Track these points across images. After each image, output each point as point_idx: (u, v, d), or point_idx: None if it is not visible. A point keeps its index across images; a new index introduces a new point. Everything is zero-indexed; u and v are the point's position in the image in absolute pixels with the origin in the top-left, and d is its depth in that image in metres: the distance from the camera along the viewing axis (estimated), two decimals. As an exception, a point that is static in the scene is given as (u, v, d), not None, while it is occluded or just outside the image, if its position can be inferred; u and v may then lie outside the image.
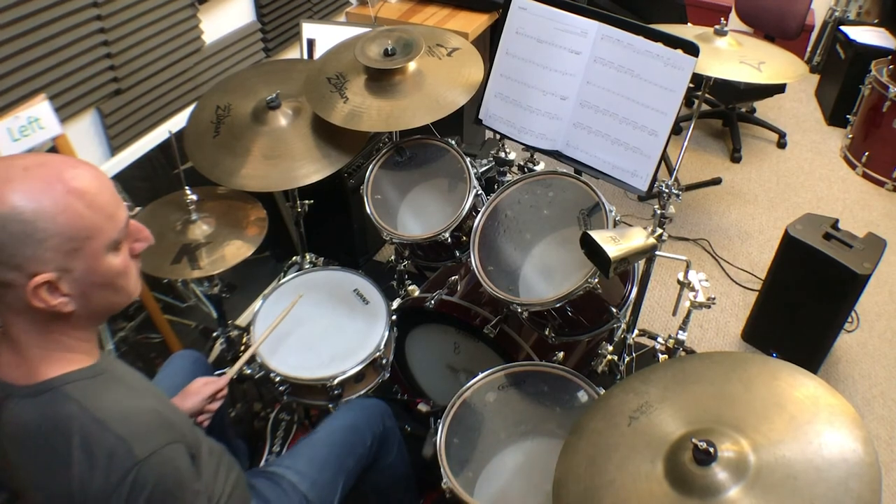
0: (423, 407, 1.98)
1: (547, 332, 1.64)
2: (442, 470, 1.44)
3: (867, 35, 3.65)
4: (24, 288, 0.88)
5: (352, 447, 1.50)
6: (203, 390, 1.40)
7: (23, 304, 0.90)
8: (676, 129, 3.19)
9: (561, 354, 1.75)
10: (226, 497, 1.19)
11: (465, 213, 1.67)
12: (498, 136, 1.76)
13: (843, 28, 3.75)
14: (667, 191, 1.62)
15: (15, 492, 1.02)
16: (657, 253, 1.53)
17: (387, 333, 1.72)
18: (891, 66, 3.21)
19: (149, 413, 0.98)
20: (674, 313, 1.61)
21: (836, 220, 2.27)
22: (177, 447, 0.97)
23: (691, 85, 1.47)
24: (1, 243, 0.86)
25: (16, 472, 0.96)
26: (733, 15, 3.67)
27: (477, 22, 2.78)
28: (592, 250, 1.34)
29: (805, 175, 3.46)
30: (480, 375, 1.61)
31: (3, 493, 1.08)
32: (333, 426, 1.52)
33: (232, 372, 1.50)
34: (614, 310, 1.66)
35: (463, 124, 2.76)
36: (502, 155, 1.83)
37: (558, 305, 1.48)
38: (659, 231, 1.57)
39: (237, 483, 1.26)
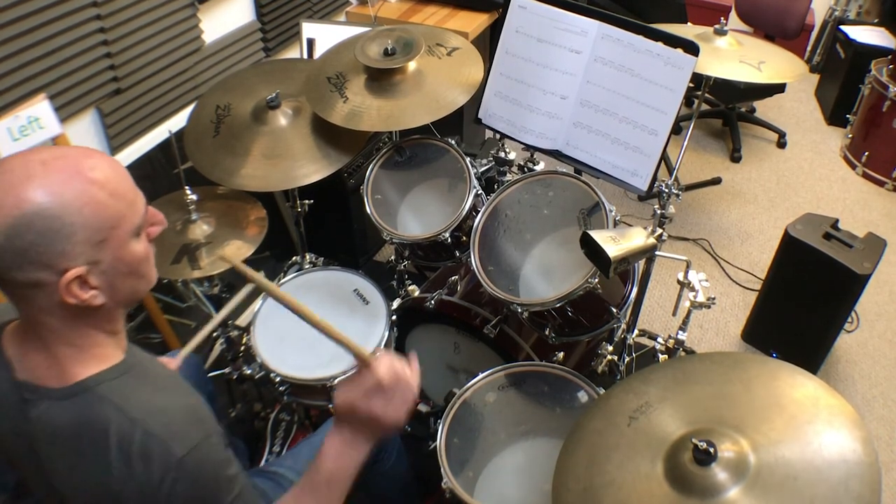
0: (423, 407, 1.98)
1: (547, 333, 1.64)
2: (442, 470, 1.44)
3: (867, 35, 3.65)
4: (55, 285, 0.86)
5: None
6: None
7: (53, 303, 0.88)
8: (676, 129, 3.18)
9: (561, 355, 1.75)
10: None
11: (465, 213, 1.67)
12: (498, 136, 1.76)
13: (843, 28, 3.75)
14: (667, 190, 1.62)
15: (48, 494, 1.01)
16: (657, 253, 1.53)
17: (387, 333, 1.72)
18: (891, 66, 3.21)
19: (182, 408, 0.97)
20: (674, 313, 1.61)
21: (836, 220, 2.27)
22: (212, 440, 0.96)
23: (691, 84, 1.47)
24: (30, 242, 0.83)
25: (54, 475, 0.95)
26: (733, 14, 3.67)
27: (477, 21, 2.78)
28: (592, 250, 1.34)
29: (805, 175, 3.46)
30: (480, 375, 1.61)
31: (4, 493, 1.08)
32: None
33: (185, 351, 1.47)
34: (614, 310, 1.66)
35: (463, 124, 2.76)
36: (502, 155, 1.83)
37: (558, 305, 1.48)
38: (659, 231, 1.57)
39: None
